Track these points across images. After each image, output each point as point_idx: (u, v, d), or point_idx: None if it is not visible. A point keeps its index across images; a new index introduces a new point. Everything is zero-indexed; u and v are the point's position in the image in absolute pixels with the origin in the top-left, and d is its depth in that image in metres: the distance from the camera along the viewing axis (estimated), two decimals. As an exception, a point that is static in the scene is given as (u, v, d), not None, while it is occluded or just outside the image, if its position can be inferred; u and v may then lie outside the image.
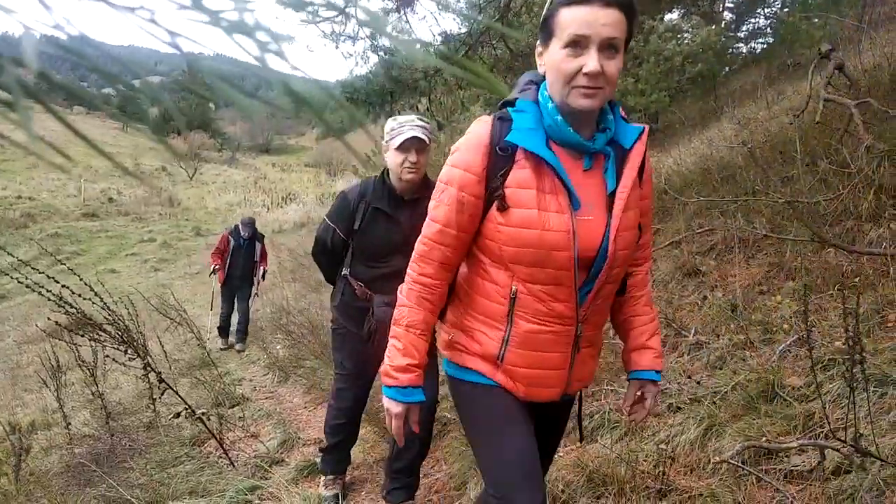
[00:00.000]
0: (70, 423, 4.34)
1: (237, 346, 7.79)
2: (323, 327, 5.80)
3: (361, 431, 3.97)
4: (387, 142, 2.64)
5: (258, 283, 8.35)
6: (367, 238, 2.74)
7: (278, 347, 6.45)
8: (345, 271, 2.85)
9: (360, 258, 2.81)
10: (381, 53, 6.70)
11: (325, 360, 5.32)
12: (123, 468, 3.63)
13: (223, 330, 8.14)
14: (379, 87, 7.06)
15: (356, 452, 3.77)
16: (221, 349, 7.79)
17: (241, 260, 8.00)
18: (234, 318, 8.15)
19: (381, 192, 2.72)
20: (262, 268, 8.32)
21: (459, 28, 9.29)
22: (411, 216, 2.61)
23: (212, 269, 8.09)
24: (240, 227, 8.07)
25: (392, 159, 2.63)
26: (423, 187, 2.68)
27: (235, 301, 8.14)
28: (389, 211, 2.69)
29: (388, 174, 2.74)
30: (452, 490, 3.03)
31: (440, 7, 7.96)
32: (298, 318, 6.45)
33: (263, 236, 8.47)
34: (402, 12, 6.40)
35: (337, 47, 6.39)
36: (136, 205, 30.08)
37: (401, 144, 2.56)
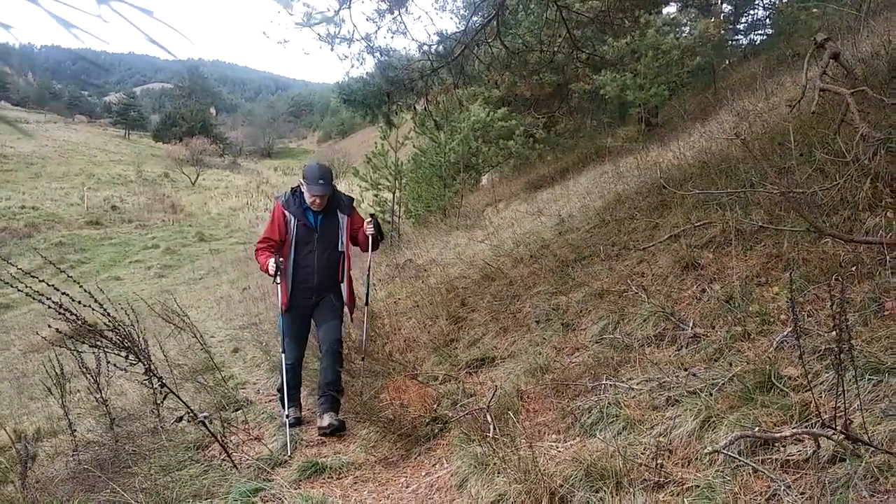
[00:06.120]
0: (75, 430, 4.37)
1: (325, 422, 4.11)
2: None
3: (363, 431, 4.00)
4: None
5: (353, 296, 4.73)
6: None
7: (281, 350, 6.46)
8: None
9: None
10: (378, 55, 6.72)
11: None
12: (127, 473, 3.66)
13: (291, 390, 4.47)
14: (376, 89, 7.07)
15: (357, 452, 3.79)
16: (291, 425, 4.20)
17: (314, 254, 4.41)
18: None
19: None
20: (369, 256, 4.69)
21: (457, 27, 9.31)
22: None
23: (274, 275, 4.22)
24: (304, 187, 4.35)
25: None
26: None
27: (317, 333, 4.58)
28: None
29: None
30: (454, 488, 3.04)
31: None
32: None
33: (353, 200, 4.79)
34: (397, 13, 6.42)
35: (332, 49, 6.40)
36: (140, 212, 30.22)
37: None
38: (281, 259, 4.28)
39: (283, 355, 4.41)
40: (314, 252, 4.40)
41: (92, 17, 0.82)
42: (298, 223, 4.40)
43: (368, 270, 4.94)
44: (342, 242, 4.51)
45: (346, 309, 4.62)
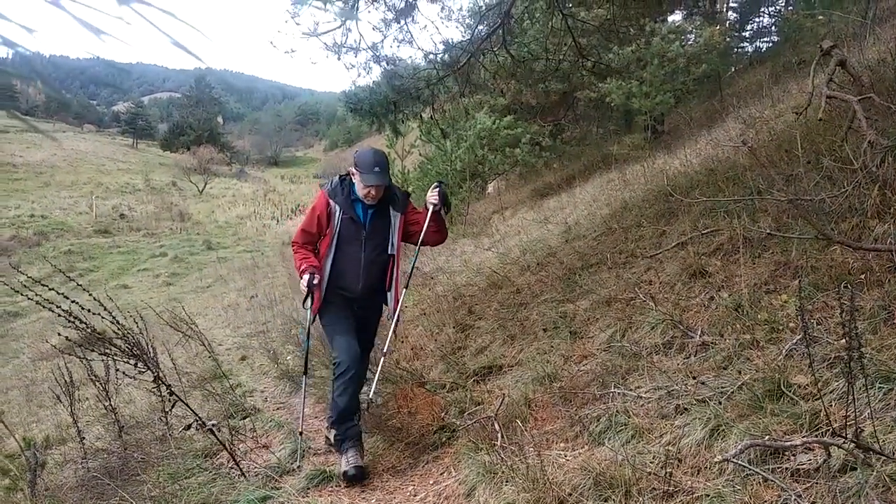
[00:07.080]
0: (84, 438, 4.38)
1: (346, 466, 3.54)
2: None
3: (371, 440, 4.00)
4: None
5: (398, 308, 3.93)
6: None
7: (289, 358, 6.48)
8: None
9: None
10: (384, 64, 6.77)
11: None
12: (136, 481, 3.66)
13: (348, 419, 3.62)
14: (382, 98, 7.11)
15: (364, 460, 3.78)
16: (350, 477, 3.46)
17: (361, 255, 3.77)
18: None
19: None
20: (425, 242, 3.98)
21: (462, 36, 9.35)
22: None
23: (306, 296, 3.77)
24: (356, 177, 3.72)
25: None
26: None
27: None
28: None
29: None
30: (462, 497, 3.04)
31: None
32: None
33: (408, 195, 4.03)
34: (403, 22, 6.46)
35: (339, 59, 6.46)
36: (147, 220, 30.37)
37: None
38: (315, 281, 3.62)
39: (333, 354, 3.69)
40: (361, 253, 3.74)
41: (113, 18, 0.82)
42: (344, 217, 3.71)
43: (410, 275, 4.30)
44: (393, 244, 3.83)
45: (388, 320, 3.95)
